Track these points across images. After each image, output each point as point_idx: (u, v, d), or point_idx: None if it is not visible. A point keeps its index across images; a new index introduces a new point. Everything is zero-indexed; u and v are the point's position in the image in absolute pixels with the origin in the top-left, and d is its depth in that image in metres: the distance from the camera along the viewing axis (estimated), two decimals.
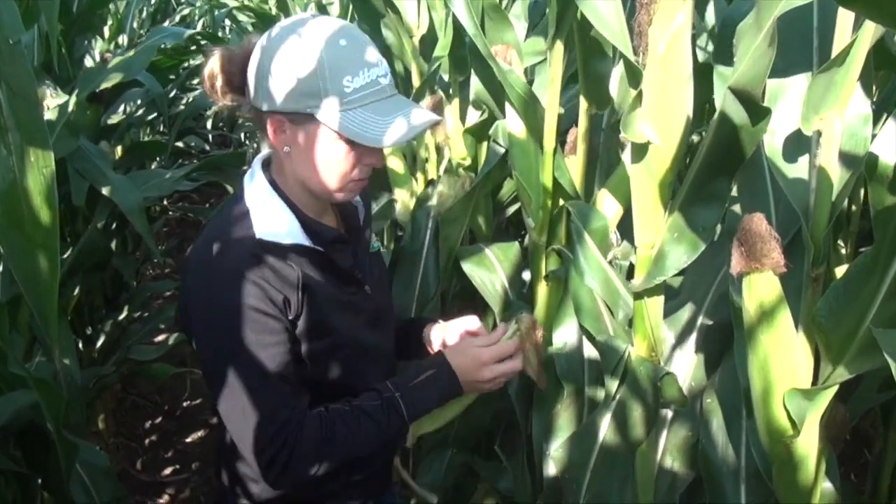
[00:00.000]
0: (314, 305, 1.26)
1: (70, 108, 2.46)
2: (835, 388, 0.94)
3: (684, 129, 1.09)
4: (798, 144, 1.05)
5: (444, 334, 1.48)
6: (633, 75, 1.07)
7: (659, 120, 1.07)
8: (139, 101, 3.54)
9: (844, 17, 0.95)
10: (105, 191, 2.53)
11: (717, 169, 1.08)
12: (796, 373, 0.97)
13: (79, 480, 2.11)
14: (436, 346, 1.49)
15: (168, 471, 3.34)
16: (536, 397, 1.61)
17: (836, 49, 0.93)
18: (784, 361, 0.95)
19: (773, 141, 1.07)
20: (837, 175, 0.97)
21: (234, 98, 1.31)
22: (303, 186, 1.29)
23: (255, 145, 4.97)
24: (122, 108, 3.59)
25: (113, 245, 3.10)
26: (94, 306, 3.27)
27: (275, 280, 1.21)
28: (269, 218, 1.26)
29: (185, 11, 6.58)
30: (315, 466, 1.23)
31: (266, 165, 1.34)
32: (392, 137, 1.20)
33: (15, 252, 1.29)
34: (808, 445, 0.99)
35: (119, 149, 3.63)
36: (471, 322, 1.48)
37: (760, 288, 0.92)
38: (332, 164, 1.24)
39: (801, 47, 1.06)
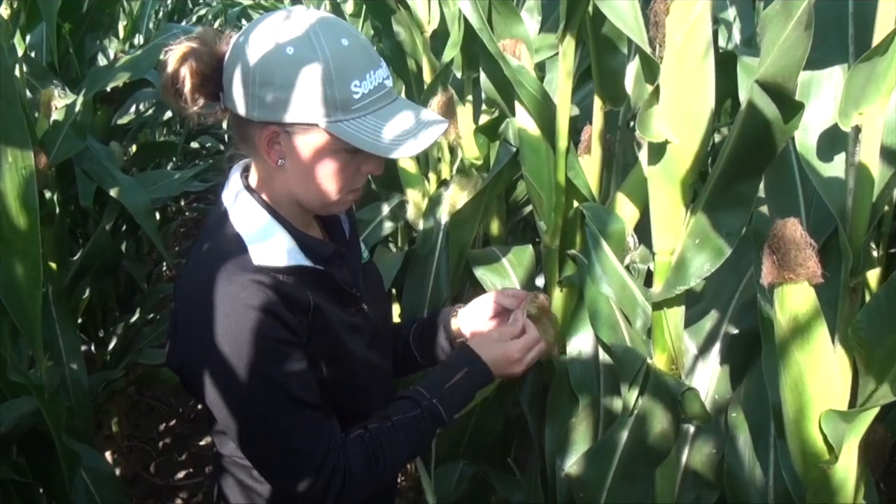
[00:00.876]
0: (325, 330, 1.18)
1: (77, 108, 2.41)
2: (875, 410, 0.85)
3: (706, 126, 1.01)
4: (833, 141, 0.96)
5: (468, 321, 1.45)
6: (650, 69, 1.00)
7: (678, 117, 0.99)
8: (152, 101, 3.50)
9: (887, 2, 0.86)
10: (113, 192, 2.49)
11: (744, 169, 1.00)
12: (833, 392, 0.88)
13: (83, 487, 2.07)
14: (471, 326, 1.45)
15: (181, 474, 3.31)
16: (549, 409, 1.52)
17: (878, 37, 0.84)
18: (820, 380, 0.86)
19: (805, 138, 0.98)
20: (878, 174, 0.88)
21: (205, 105, 1.17)
22: (293, 199, 1.19)
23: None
24: (133, 108, 3.56)
25: (125, 247, 3.07)
26: (106, 308, 3.24)
27: (286, 306, 1.12)
28: (264, 241, 1.14)
29: (202, 12, 6.57)
30: (367, 486, 1.18)
31: (243, 174, 1.23)
32: (412, 146, 1.10)
33: None
34: (846, 471, 0.90)
35: (132, 149, 3.61)
36: (486, 304, 1.43)
37: (794, 300, 0.84)
38: (334, 175, 1.14)
39: (835, 36, 0.98)
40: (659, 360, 1.21)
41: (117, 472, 2.19)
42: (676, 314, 1.17)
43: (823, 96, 0.98)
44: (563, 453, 1.44)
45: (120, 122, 3.24)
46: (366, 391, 1.27)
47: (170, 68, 1.14)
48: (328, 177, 1.15)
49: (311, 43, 1.08)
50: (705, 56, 0.93)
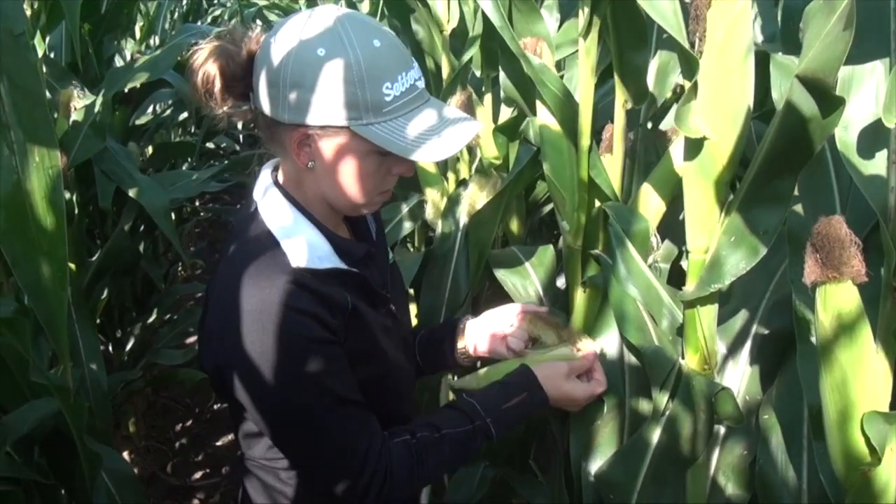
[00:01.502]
0: (361, 330, 1.17)
1: (96, 108, 2.42)
2: None
3: (744, 122, 1.00)
4: (875, 138, 0.94)
5: (487, 328, 1.46)
6: (688, 64, 0.98)
7: (716, 113, 0.97)
8: (169, 102, 3.51)
9: None
10: (132, 192, 2.49)
11: (781, 166, 0.98)
12: (877, 394, 0.87)
13: (104, 488, 2.07)
14: (480, 345, 1.46)
15: (198, 474, 3.31)
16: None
17: None
18: (864, 381, 0.84)
19: (845, 135, 0.96)
20: None
21: (234, 105, 1.16)
22: (323, 200, 1.18)
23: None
24: (151, 108, 3.56)
25: (142, 247, 3.07)
26: (124, 309, 3.24)
27: (326, 307, 1.11)
28: (301, 243, 1.13)
29: (217, 12, 6.59)
30: (405, 491, 1.19)
31: (273, 173, 1.22)
32: (443, 150, 1.09)
33: (18, 259, 1.22)
34: (888, 474, 0.88)
35: (150, 150, 3.61)
36: (511, 314, 1.44)
37: (838, 299, 0.82)
38: (364, 178, 1.13)
39: (876, 31, 0.96)
40: (691, 360, 1.19)
41: (135, 472, 2.18)
42: (710, 313, 1.15)
43: (864, 93, 0.96)
44: (588, 455, 1.42)
45: (137, 122, 3.25)
46: (395, 392, 1.27)
47: (200, 68, 1.12)
48: (358, 179, 1.13)
49: (342, 43, 1.06)
50: (746, 53, 0.92)
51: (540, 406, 1.30)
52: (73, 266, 2.43)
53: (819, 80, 0.85)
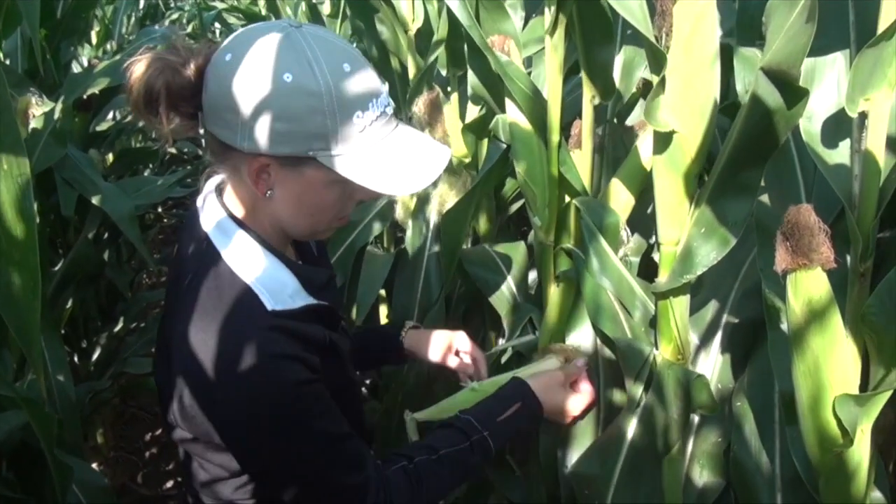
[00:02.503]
0: (337, 363, 1.15)
1: (56, 115, 2.37)
2: (888, 394, 0.86)
3: (711, 115, 1.02)
4: (838, 128, 0.97)
5: (440, 339, 1.47)
6: (656, 59, 0.99)
7: (684, 107, 0.99)
8: (129, 108, 3.43)
9: None
10: (95, 200, 2.44)
11: (748, 158, 1.00)
12: (848, 378, 0.89)
13: (76, 501, 2.03)
14: (433, 353, 1.46)
15: (169, 484, 3.26)
16: None
17: (885, 22, 0.85)
18: (836, 366, 0.87)
19: (809, 125, 0.99)
20: (884, 159, 0.89)
21: (181, 125, 1.07)
22: (278, 227, 1.12)
23: None
24: (111, 115, 3.50)
25: (106, 255, 3.02)
26: (88, 318, 3.18)
27: (307, 347, 1.07)
28: (271, 283, 1.07)
29: (175, 16, 6.49)
30: None
31: (219, 195, 1.14)
32: (413, 182, 1.05)
33: None
34: (860, 455, 0.91)
35: (110, 156, 3.55)
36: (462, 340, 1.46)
37: (808, 286, 0.84)
38: (326, 207, 1.09)
39: (835, 23, 0.98)
40: (665, 351, 1.21)
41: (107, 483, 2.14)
42: (682, 304, 1.17)
43: (826, 83, 0.99)
44: (564, 449, 1.44)
45: (98, 129, 3.19)
46: (355, 407, 1.24)
47: (140, 83, 1.04)
48: (321, 208, 1.09)
49: (310, 69, 0.98)
50: (712, 46, 0.93)
51: (533, 418, 1.27)
52: None
53: (783, 72, 0.87)
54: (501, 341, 1.85)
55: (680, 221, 1.12)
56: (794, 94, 0.89)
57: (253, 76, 0.99)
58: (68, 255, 2.48)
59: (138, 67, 1.05)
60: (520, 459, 1.66)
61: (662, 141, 1.05)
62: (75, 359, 3.12)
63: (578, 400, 1.30)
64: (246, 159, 1.04)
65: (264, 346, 1.02)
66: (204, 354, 1.04)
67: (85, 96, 2.60)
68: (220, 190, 1.15)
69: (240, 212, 1.12)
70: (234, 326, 1.04)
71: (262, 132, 0.99)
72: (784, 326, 1.05)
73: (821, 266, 0.83)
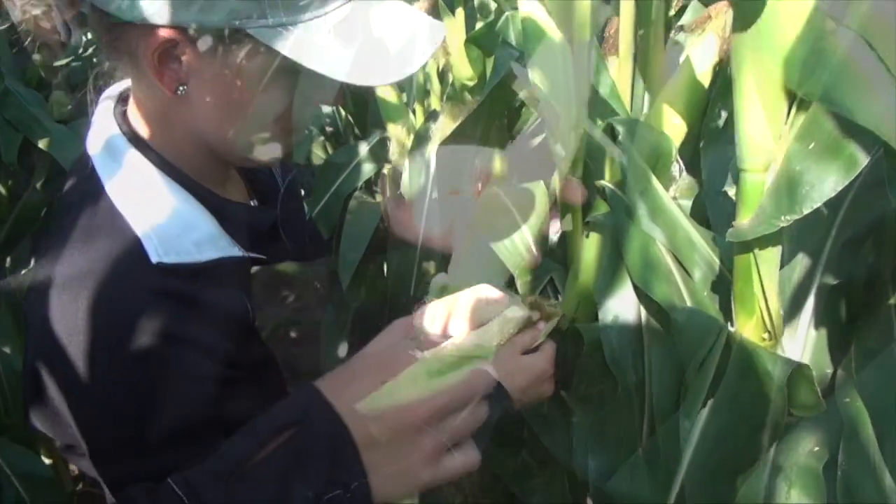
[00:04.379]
0: (255, 336, 0.88)
1: None
2: None
3: None
4: None
5: None
6: None
7: None
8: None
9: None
10: (41, 143, 2.11)
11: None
12: None
13: (13, 495, 1.75)
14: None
15: None
16: (574, 395, 1.14)
17: None
18: None
19: None
20: None
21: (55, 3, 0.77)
22: (200, 146, 0.83)
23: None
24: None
25: None
26: None
27: (201, 320, 0.78)
28: (170, 227, 0.78)
29: None
30: None
31: (118, 109, 0.86)
32: (395, 68, 0.75)
33: None
34: None
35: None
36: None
37: None
38: (266, 108, 0.79)
39: None
40: (745, 328, 0.84)
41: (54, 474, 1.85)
42: (772, 259, 0.80)
43: None
44: (596, 454, 1.07)
45: (56, 64, 2.84)
46: (271, 384, 0.96)
47: None
48: (258, 109, 0.79)
49: None
50: None
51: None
52: None
53: None
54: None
55: (773, 133, 0.75)
56: None
57: None
58: (14, 209, 2.16)
59: None
60: (540, 460, 1.30)
61: (749, 9, 0.67)
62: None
63: (543, 360, 0.97)
64: (143, 37, 0.75)
65: (133, 319, 0.73)
66: (61, 332, 0.75)
67: None
68: (123, 99, 0.89)
69: (144, 126, 0.85)
70: (99, 290, 0.74)
71: None
72: None
73: None
